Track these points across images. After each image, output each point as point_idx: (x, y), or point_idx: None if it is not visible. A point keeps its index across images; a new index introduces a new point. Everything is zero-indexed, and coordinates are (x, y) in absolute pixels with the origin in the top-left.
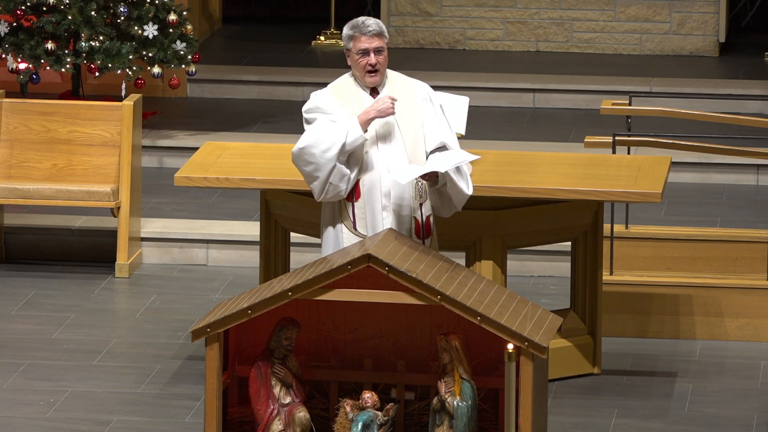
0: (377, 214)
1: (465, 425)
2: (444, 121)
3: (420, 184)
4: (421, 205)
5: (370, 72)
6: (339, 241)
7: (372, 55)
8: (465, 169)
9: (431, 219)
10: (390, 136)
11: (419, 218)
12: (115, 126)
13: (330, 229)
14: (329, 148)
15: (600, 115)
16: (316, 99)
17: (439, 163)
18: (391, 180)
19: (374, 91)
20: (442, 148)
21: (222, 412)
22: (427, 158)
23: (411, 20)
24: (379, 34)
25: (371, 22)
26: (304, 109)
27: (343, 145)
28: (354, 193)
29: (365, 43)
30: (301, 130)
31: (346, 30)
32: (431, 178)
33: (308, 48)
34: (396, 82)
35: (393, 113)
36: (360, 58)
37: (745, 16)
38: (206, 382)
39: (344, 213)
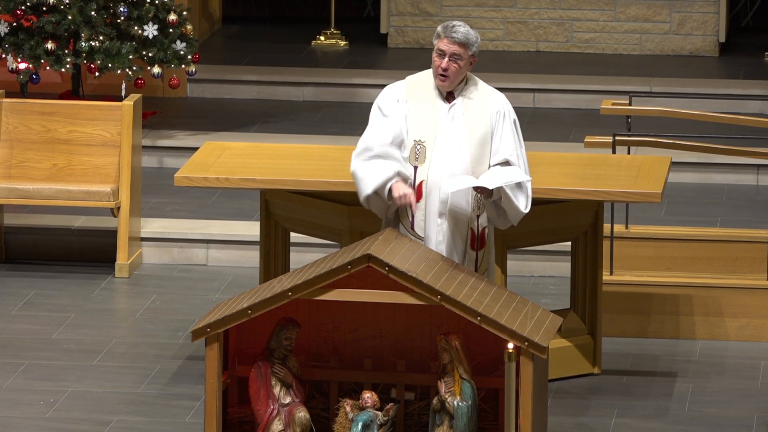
0: (433, 219)
1: (465, 425)
2: (512, 138)
3: (478, 195)
4: (478, 216)
5: (440, 75)
6: None
7: (446, 59)
8: (528, 186)
9: (487, 231)
10: (457, 144)
11: (476, 229)
12: (115, 126)
13: (390, 225)
14: (362, 191)
15: (600, 115)
16: (384, 95)
17: (489, 179)
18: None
19: (450, 96)
20: (505, 164)
21: (222, 412)
22: None
23: (411, 20)
24: (462, 43)
25: (460, 30)
26: (377, 99)
27: (367, 198)
28: (416, 193)
29: (445, 45)
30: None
31: (438, 28)
32: (483, 191)
33: (308, 48)
34: (472, 90)
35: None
36: (436, 58)
37: (745, 16)
38: (206, 382)
39: (404, 211)
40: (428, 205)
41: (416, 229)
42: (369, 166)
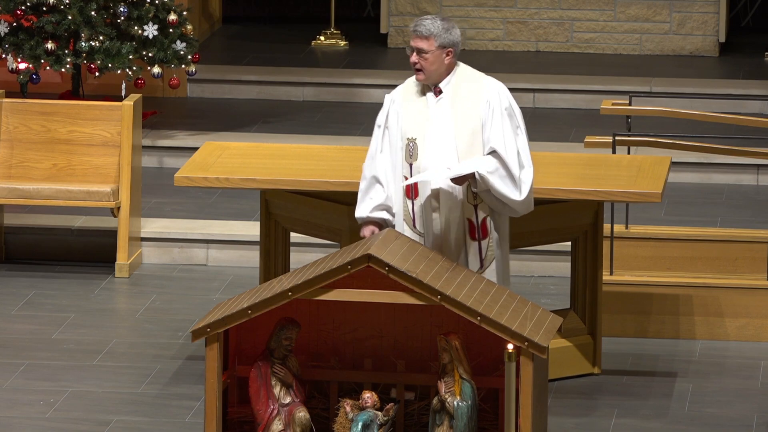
0: (429, 214)
1: (465, 425)
2: (501, 128)
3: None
4: (476, 206)
5: (415, 70)
6: None
7: (414, 54)
8: (519, 174)
9: (488, 221)
10: (445, 138)
11: (474, 220)
12: (115, 126)
13: (397, 225)
14: (356, 209)
15: (600, 115)
16: (384, 106)
17: (455, 169)
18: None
19: (437, 89)
20: (493, 154)
21: (222, 412)
22: None
23: (411, 20)
24: (424, 36)
25: (424, 23)
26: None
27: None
28: (413, 191)
29: (411, 42)
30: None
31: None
32: (462, 180)
33: (308, 48)
34: (461, 80)
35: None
36: (409, 54)
37: (745, 16)
38: (206, 382)
39: (405, 210)
40: (424, 202)
41: (417, 226)
42: (363, 195)
